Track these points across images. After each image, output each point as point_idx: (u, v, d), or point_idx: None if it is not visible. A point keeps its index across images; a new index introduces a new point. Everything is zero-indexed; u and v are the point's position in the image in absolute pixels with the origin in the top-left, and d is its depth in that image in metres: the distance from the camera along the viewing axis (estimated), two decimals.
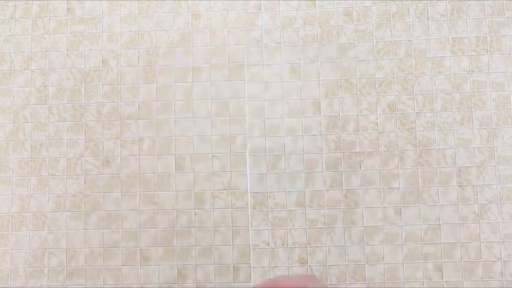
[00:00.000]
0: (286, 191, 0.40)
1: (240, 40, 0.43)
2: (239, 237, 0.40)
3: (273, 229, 0.40)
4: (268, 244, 0.40)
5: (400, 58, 0.42)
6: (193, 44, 0.43)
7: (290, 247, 0.40)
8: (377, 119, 0.41)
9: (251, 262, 0.40)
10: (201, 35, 0.43)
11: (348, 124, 0.41)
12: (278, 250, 0.40)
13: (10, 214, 0.41)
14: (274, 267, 0.39)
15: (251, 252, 0.40)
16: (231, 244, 0.40)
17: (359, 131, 0.41)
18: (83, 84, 0.43)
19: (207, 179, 0.39)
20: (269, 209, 0.40)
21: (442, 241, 0.39)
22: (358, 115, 0.41)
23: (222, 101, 0.42)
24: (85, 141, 0.42)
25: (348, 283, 0.39)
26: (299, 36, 0.42)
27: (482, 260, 0.39)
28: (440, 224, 0.40)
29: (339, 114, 0.41)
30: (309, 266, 0.39)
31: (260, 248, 0.40)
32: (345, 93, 0.41)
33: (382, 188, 0.40)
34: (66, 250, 0.40)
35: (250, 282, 0.40)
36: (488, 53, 0.41)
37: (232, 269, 0.39)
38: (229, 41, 0.43)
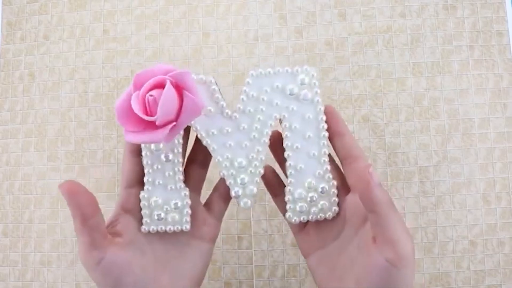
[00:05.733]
0: None
1: (241, 54, 0.47)
2: (242, 213, 0.43)
3: (270, 219, 0.45)
4: (266, 231, 0.45)
5: (371, 79, 0.46)
6: (203, 56, 0.47)
7: (284, 233, 0.45)
8: (353, 128, 0.46)
9: (252, 233, 0.44)
10: (210, 49, 0.48)
11: None
12: (274, 236, 0.44)
13: (59, 194, 0.44)
14: (271, 250, 0.44)
15: (251, 224, 0.45)
16: (236, 218, 0.43)
17: None
18: (116, 90, 0.47)
19: (215, 166, 0.43)
20: (266, 203, 0.45)
21: (407, 226, 0.45)
22: None
23: (227, 102, 0.44)
24: (117, 136, 0.46)
25: None
26: (290, 62, 0.47)
27: (438, 241, 0.44)
28: (405, 213, 0.44)
29: None
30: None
31: (260, 235, 0.44)
32: None
33: None
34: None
35: (251, 249, 0.44)
36: (441, 74, 0.46)
37: (236, 238, 0.44)
38: (233, 54, 0.47)
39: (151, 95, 0.26)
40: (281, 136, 0.31)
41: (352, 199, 0.30)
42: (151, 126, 0.27)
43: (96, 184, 0.46)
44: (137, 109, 0.26)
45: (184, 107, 0.26)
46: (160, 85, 0.26)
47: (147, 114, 0.26)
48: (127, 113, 0.27)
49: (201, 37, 0.48)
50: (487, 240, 0.44)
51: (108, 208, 0.45)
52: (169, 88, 0.26)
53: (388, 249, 0.25)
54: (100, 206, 0.45)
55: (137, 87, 0.27)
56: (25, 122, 0.48)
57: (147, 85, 0.26)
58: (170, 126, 0.26)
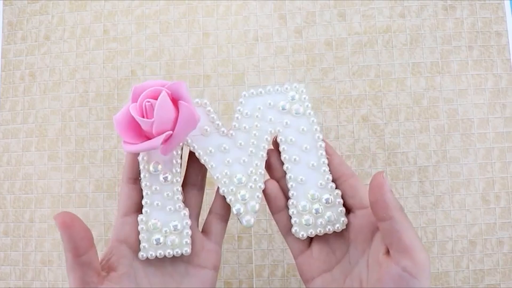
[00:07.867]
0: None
1: (241, 53, 0.47)
2: None
3: (270, 219, 0.45)
4: (266, 231, 0.45)
5: (371, 79, 0.46)
6: (203, 56, 0.47)
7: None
8: (353, 128, 0.45)
9: (252, 233, 0.44)
10: (210, 50, 0.48)
11: (330, 132, 0.45)
12: (274, 235, 0.45)
13: (60, 194, 0.46)
14: (271, 249, 0.45)
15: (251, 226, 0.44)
16: (236, 218, 0.43)
17: (338, 138, 0.45)
18: (116, 90, 0.47)
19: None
20: (266, 203, 0.45)
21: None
22: (338, 125, 0.45)
23: (227, 102, 0.44)
24: (117, 136, 0.46)
25: None
26: (289, 62, 0.47)
27: (437, 240, 0.44)
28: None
29: (323, 124, 0.45)
30: None
31: (260, 234, 0.45)
32: (327, 108, 0.46)
33: None
34: (104, 224, 0.45)
35: (251, 249, 0.44)
36: (440, 74, 0.46)
37: (236, 238, 0.44)
38: (233, 54, 0.48)
39: (148, 101, 0.27)
40: (275, 152, 0.31)
41: (354, 218, 0.29)
42: (149, 137, 0.28)
43: (96, 184, 0.46)
44: (135, 113, 0.27)
45: (180, 116, 0.27)
46: (156, 96, 0.27)
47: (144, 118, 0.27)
48: (127, 125, 0.28)
49: (201, 37, 0.48)
50: (486, 239, 0.44)
51: (108, 208, 0.45)
52: (164, 95, 0.27)
53: (405, 257, 0.24)
54: (100, 206, 0.46)
55: (135, 99, 0.28)
56: (26, 122, 0.48)
57: (144, 95, 0.27)
58: (167, 132, 0.27)
